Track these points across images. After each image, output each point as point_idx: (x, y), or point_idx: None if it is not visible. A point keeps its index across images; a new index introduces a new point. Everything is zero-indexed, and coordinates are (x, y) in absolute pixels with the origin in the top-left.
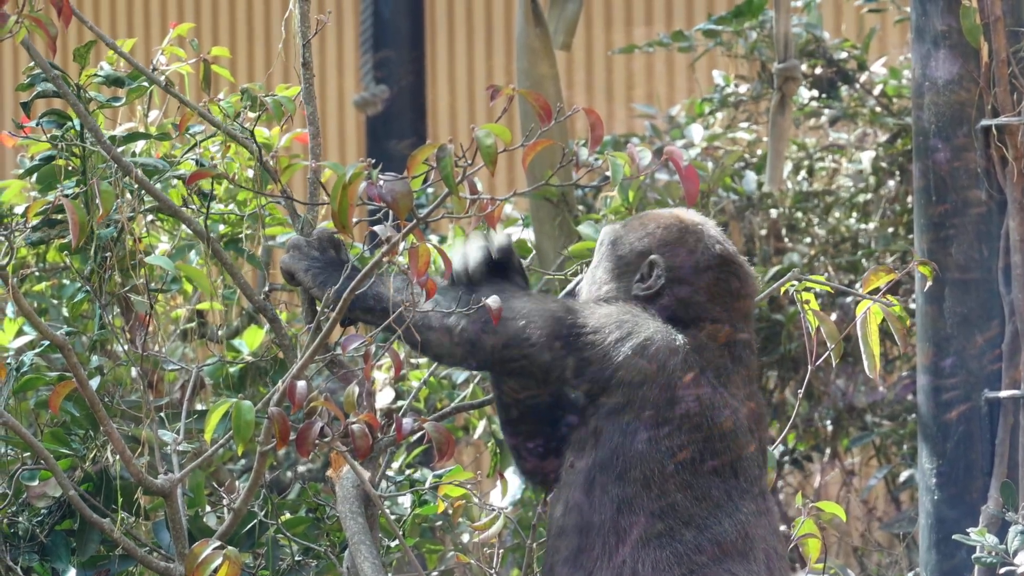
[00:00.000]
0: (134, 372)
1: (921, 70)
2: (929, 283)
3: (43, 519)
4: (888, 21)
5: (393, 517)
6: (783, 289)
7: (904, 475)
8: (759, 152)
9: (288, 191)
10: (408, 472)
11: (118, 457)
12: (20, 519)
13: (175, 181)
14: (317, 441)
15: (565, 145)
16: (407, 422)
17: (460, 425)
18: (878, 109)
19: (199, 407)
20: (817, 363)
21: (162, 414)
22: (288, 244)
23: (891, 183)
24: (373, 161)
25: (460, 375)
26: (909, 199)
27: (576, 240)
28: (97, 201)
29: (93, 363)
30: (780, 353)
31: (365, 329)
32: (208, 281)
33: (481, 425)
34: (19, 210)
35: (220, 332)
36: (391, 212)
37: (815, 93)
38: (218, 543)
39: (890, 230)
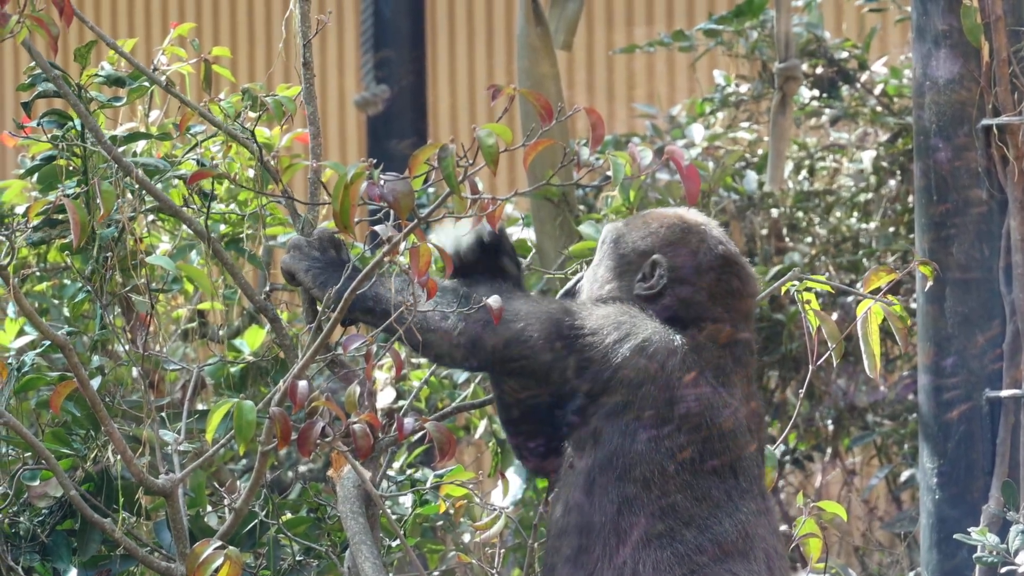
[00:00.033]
0: (135, 372)
1: (922, 69)
2: (930, 283)
3: (44, 519)
4: (889, 20)
5: (394, 517)
6: (784, 289)
7: (905, 475)
8: (760, 152)
9: (289, 191)
10: (409, 472)
11: (119, 457)
12: (21, 519)
13: (176, 181)
14: (318, 441)
15: (566, 145)
16: (408, 422)
17: (461, 425)
18: (879, 109)
19: (200, 407)
20: (818, 363)
21: (163, 414)
22: (289, 244)
23: (892, 183)
24: (374, 161)
25: (461, 375)
26: (910, 199)
27: (577, 240)
28: (98, 201)
29: (94, 363)
30: (781, 353)
31: (366, 329)
32: (209, 281)
33: (482, 425)
34: (20, 210)
35: (221, 332)
36: (392, 212)
37: (816, 93)
38: (219, 543)
39: (891, 230)
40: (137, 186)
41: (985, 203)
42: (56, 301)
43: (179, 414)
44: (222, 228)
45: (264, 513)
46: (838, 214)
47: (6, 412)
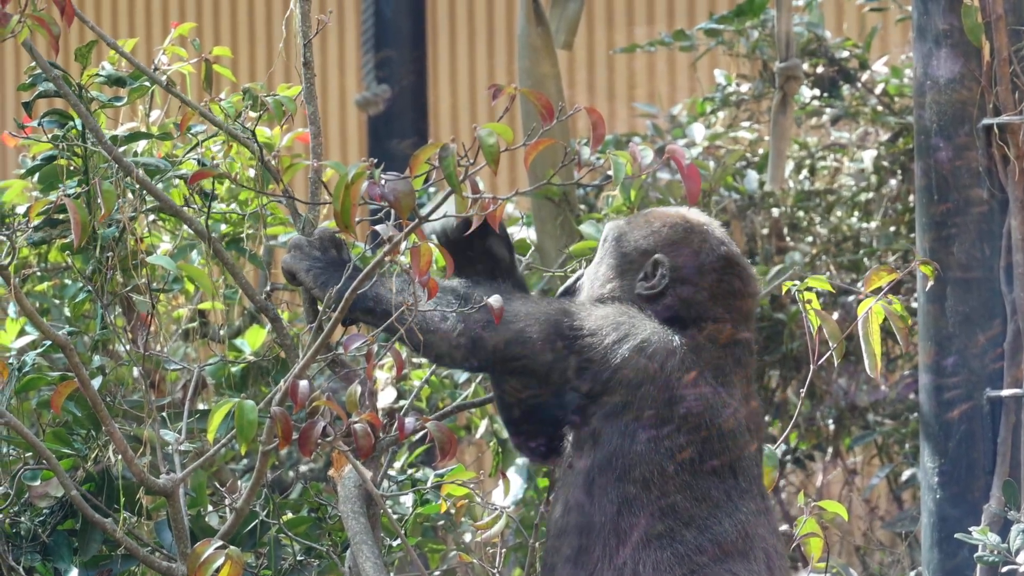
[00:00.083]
0: (136, 372)
1: (923, 69)
2: (931, 282)
3: (45, 519)
4: (890, 20)
5: (395, 516)
6: (785, 288)
7: (906, 474)
8: (761, 151)
9: (290, 191)
10: (410, 471)
11: (120, 457)
12: (22, 519)
13: (177, 181)
14: (319, 441)
15: (567, 144)
16: (409, 421)
17: (462, 424)
18: (880, 108)
19: (201, 407)
20: (819, 362)
21: (164, 414)
22: (290, 244)
23: (893, 182)
24: (375, 161)
25: (462, 375)
26: (911, 198)
27: (578, 239)
28: (99, 201)
29: (95, 363)
30: (782, 352)
31: (367, 329)
32: (210, 281)
33: (483, 424)
34: (21, 210)
35: (222, 332)
36: (393, 212)
37: (817, 92)
38: (220, 543)
39: (892, 229)
40: (138, 186)
41: (986, 202)
42: (57, 301)
43: (180, 414)
44: (223, 228)
45: (265, 513)
46: (839, 213)
47: (7, 412)
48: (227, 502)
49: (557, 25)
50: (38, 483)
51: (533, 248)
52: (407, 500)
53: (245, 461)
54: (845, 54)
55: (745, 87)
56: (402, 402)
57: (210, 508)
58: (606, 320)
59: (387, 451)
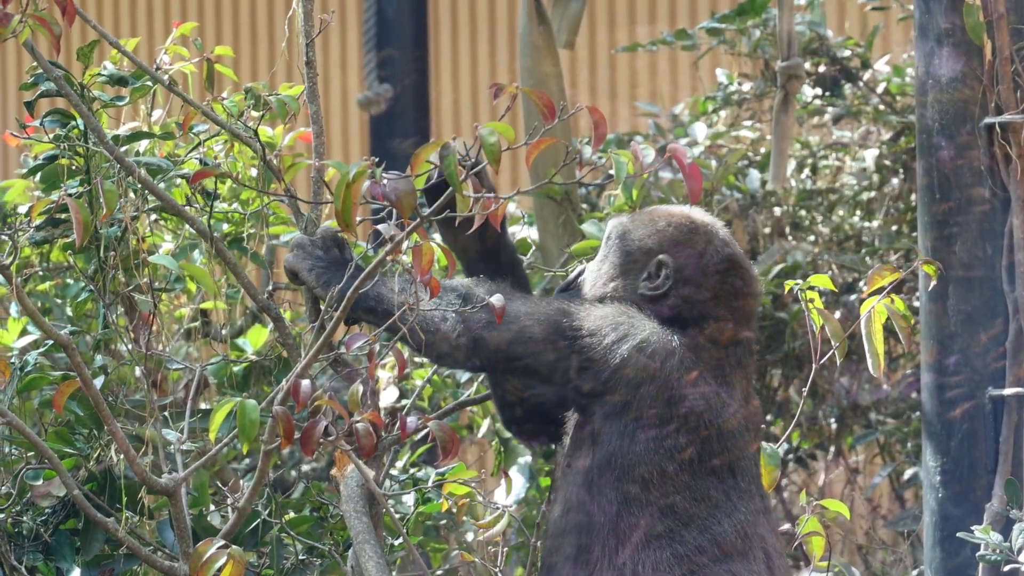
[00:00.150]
0: (138, 371)
1: (924, 68)
2: (933, 281)
3: (47, 518)
4: (891, 19)
5: (397, 516)
6: (788, 287)
7: (908, 473)
8: (763, 150)
9: (292, 190)
10: (412, 471)
11: (122, 456)
12: (24, 518)
13: (179, 180)
14: (321, 440)
15: (568, 143)
16: (411, 421)
17: (464, 424)
18: (881, 107)
19: (203, 406)
20: (821, 361)
21: (166, 413)
22: (292, 243)
23: (895, 181)
24: (377, 160)
25: (464, 374)
26: (913, 197)
27: (580, 238)
28: (101, 200)
29: (97, 362)
30: (784, 351)
31: (369, 328)
32: (212, 280)
33: (485, 423)
34: (23, 209)
35: (224, 331)
36: (395, 211)
37: (819, 91)
38: (222, 542)
39: (894, 228)
40: (140, 185)
41: (988, 201)
42: (59, 300)
43: (182, 413)
44: (225, 227)
45: (267, 512)
46: (841, 212)
47: (9, 412)
48: (229, 501)
49: (559, 24)
50: (40, 483)
51: (534, 247)
52: (409, 499)
53: (247, 460)
54: (847, 53)
55: (747, 86)
56: (404, 401)
57: (212, 507)
58: (605, 320)
59: (389, 450)
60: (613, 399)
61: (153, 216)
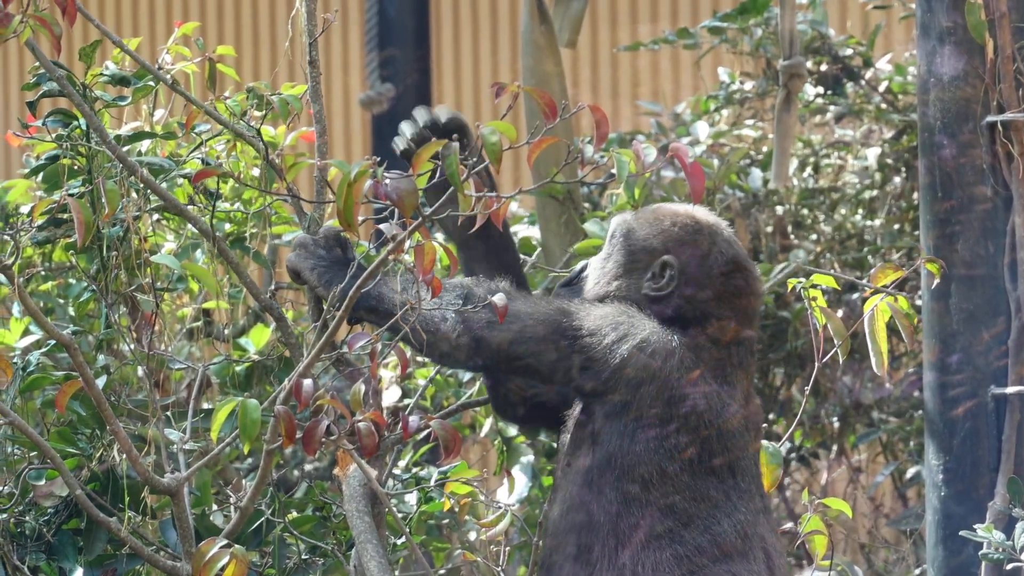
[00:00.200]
0: (140, 371)
1: (926, 66)
2: (936, 280)
3: (50, 518)
4: (893, 17)
5: (400, 515)
6: (790, 286)
7: (911, 471)
8: (765, 149)
9: (294, 189)
10: (414, 470)
11: (125, 456)
12: (27, 518)
13: (181, 180)
14: (323, 439)
15: (570, 142)
16: (413, 420)
17: (467, 423)
18: (883, 106)
19: (205, 406)
20: (824, 360)
21: (168, 413)
22: (294, 243)
23: (897, 179)
24: (378, 159)
25: (467, 373)
26: (915, 195)
27: (582, 237)
28: (103, 200)
29: (99, 362)
30: (787, 350)
31: (371, 327)
32: (214, 280)
33: (488, 423)
34: (25, 209)
35: (226, 331)
36: (397, 210)
37: (820, 90)
38: (225, 541)
39: (896, 227)
40: (142, 185)
41: (990, 200)
42: (61, 300)
43: (184, 413)
44: (227, 227)
45: (270, 512)
46: (843, 211)
47: (12, 412)
48: (232, 501)
49: (561, 23)
50: (43, 482)
51: (540, 248)
52: (412, 498)
53: (249, 460)
54: (849, 52)
55: (749, 85)
56: (407, 401)
57: (215, 507)
58: (605, 320)
59: (391, 450)
60: (614, 398)
61: (155, 216)
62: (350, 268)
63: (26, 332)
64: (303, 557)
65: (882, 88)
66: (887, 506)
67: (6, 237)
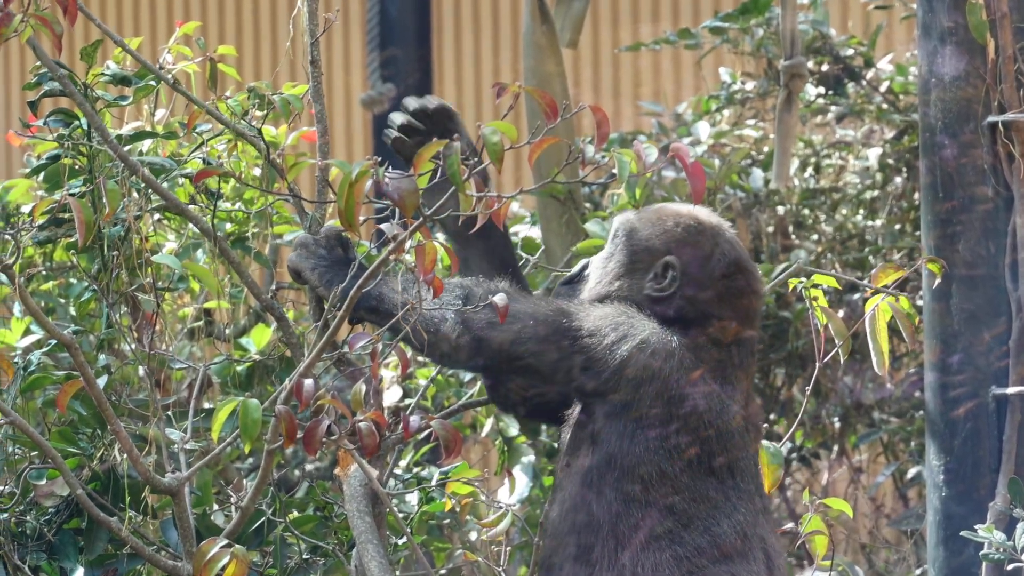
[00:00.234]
0: (141, 371)
1: (927, 67)
2: (937, 280)
3: (51, 518)
4: (894, 18)
5: (401, 515)
6: (791, 286)
7: (912, 472)
8: (766, 149)
9: (295, 189)
10: (415, 470)
11: (125, 456)
12: (28, 518)
13: (182, 180)
14: (324, 439)
15: (571, 142)
16: (414, 420)
17: (467, 423)
18: (885, 106)
19: (206, 405)
20: (825, 360)
21: (169, 413)
22: (295, 242)
23: (898, 180)
24: (380, 159)
25: (467, 373)
26: (916, 196)
27: (583, 237)
28: (104, 200)
29: (100, 362)
30: (788, 350)
31: (372, 327)
32: (215, 280)
33: (489, 423)
34: (26, 209)
35: (227, 331)
36: (398, 210)
37: (822, 90)
38: (226, 541)
39: (897, 227)
40: (143, 185)
41: (991, 200)
42: (62, 300)
43: (185, 413)
44: (228, 226)
45: (271, 511)
46: (844, 211)
47: (12, 411)
48: (232, 501)
49: (562, 23)
50: (44, 482)
51: (543, 248)
52: (413, 498)
53: (250, 460)
54: (850, 52)
55: (750, 85)
56: (407, 400)
57: (216, 507)
58: (605, 320)
59: (392, 449)
60: (614, 399)
61: (156, 215)
62: (351, 268)
63: (27, 332)
64: (304, 557)
65: (883, 88)
66: (888, 506)
67: (7, 237)
